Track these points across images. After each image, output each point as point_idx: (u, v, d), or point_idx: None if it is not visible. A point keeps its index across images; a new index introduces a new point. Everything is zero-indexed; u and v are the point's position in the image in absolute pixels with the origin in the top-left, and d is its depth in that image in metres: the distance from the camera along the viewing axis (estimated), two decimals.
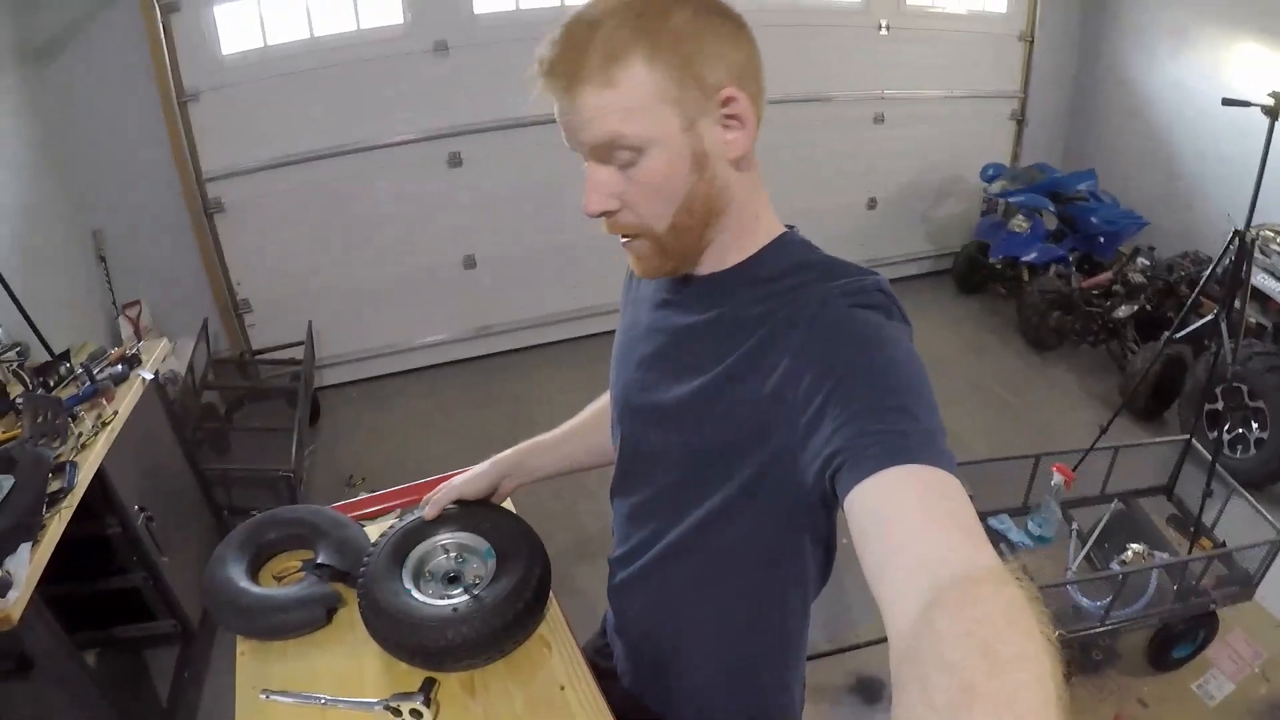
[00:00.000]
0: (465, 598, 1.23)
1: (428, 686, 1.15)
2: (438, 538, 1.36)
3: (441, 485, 1.43)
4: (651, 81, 0.89)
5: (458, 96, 4.29)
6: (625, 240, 1.00)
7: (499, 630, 1.19)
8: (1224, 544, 2.66)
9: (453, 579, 1.31)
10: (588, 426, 1.45)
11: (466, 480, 1.42)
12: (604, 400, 1.39)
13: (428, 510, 1.38)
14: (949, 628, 0.58)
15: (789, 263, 1.00)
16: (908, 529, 0.72)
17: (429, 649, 1.18)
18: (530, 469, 1.47)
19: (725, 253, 1.01)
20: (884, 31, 5.02)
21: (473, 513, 1.39)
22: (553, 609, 1.32)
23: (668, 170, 0.92)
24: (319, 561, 1.38)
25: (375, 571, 1.27)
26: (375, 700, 1.15)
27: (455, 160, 4.43)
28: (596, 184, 0.95)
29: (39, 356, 2.81)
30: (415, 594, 1.25)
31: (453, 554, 1.36)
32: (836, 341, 0.88)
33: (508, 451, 1.46)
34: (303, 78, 4.05)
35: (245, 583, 1.36)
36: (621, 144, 0.90)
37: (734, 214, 0.99)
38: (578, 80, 0.89)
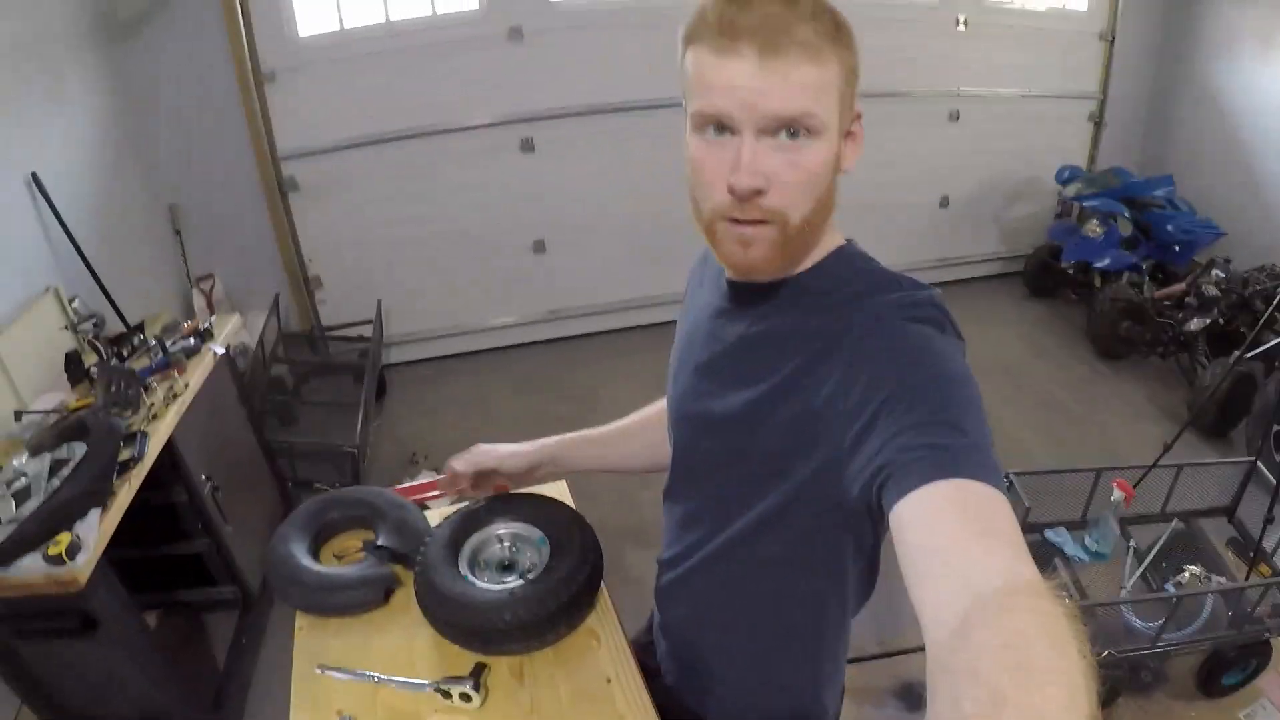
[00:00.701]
0: (520, 582, 1.25)
1: (478, 671, 1.18)
2: (493, 527, 1.39)
3: (480, 446, 1.46)
4: (839, 73, 0.91)
5: (531, 83, 4.31)
6: (749, 226, 0.94)
7: (554, 613, 1.22)
8: None
9: (507, 567, 1.35)
10: (633, 430, 1.46)
11: (510, 453, 1.45)
12: (658, 406, 1.40)
13: (457, 463, 1.42)
14: (984, 639, 0.59)
15: (846, 275, 1.00)
16: (949, 542, 0.73)
17: (484, 631, 1.21)
18: (569, 461, 1.49)
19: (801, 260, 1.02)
20: (961, 27, 4.92)
21: (527, 503, 1.42)
22: (603, 601, 1.34)
23: (824, 163, 0.93)
24: (379, 543, 1.42)
25: (432, 557, 1.30)
26: (426, 681, 1.18)
27: (528, 146, 4.46)
28: (757, 159, 0.90)
29: (114, 327, 2.91)
30: (472, 579, 1.28)
31: (507, 543, 1.39)
32: (889, 355, 0.89)
33: (552, 439, 1.48)
34: (377, 60, 4.11)
35: (307, 560, 1.40)
36: (807, 123, 0.89)
37: (827, 224, 1.01)
38: (789, 43, 0.86)
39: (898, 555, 0.76)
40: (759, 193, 0.91)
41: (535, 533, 1.37)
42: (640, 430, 1.44)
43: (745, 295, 1.06)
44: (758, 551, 1.07)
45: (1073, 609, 0.61)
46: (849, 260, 1.03)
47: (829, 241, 1.03)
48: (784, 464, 0.98)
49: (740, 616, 1.17)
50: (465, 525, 1.38)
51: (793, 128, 0.89)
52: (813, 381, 0.94)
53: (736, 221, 0.94)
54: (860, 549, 1.06)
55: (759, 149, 0.90)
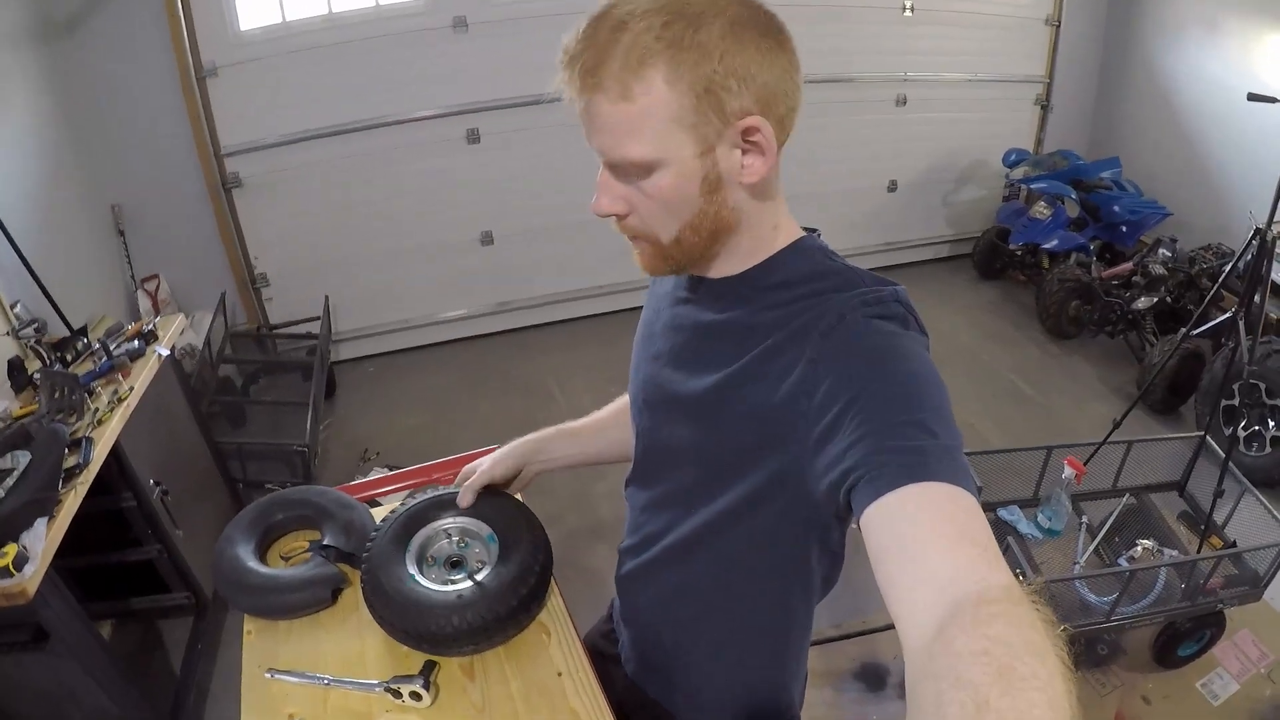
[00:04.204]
0: (469, 584, 1.23)
1: (427, 670, 1.17)
2: (441, 522, 1.37)
3: (467, 467, 1.45)
4: (669, 102, 0.86)
5: (477, 73, 4.27)
6: (631, 240, 1.00)
7: (502, 617, 1.21)
8: (1234, 543, 2.65)
9: (455, 564, 1.33)
10: (608, 422, 1.44)
11: (494, 461, 1.42)
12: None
13: (461, 498, 1.37)
14: (965, 646, 0.59)
15: (806, 269, 0.98)
16: (924, 548, 0.72)
17: (432, 635, 1.19)
18: (552, 456, 1.46)
19: (736, 260, 1.00)
20: (908, 13, 4.96)
21: (478, 498, 1.40)
22: (554, 597, 1.33)
23: (676, 190, 0.91)
24: (325, 543, 1.40)
25: (379, 555, 1.29)
26: (376, 682, 1.17)
27: (473, 136, 4.43)
28: (606, 187, 0.95)
29: (57, 331, 2.85)
30: (419, 579, 1.26)
31: (455, 538, 1.37)
32: (854, 353, 0.88)
33: (531, 436, 1.46)
34: (321, 53, 4.05)
35: (253, 562, 1.38)
36: (629, 163, 0.90)
37: (746, 231, 0.98)
38: (595, 86, 0.87)
39: (871, 560, 0.76)
40: (619, 215, 0.96)
41: (484, 529, 1.36)
42: (614, 422, 1.41)
43: (703, 284, 1.05)
44: (721, 544, 1.07)
45: (1049, 614, 0.62)
46: (807, 254, 1.00)
47: (786, 235, 1.01)
48: (747, 458, 0.98)
49: (704, 609, 1.16)
50: (413, 521, 1.36)
51: (623, 167, 0.91)
52: (773, 373, 0.93)
53: None
54: (825, 545, 1.05)
55: (612, 178, 0.94)
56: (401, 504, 1.40)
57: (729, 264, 1.01)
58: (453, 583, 1.26)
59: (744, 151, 0.90)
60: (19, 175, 3.22)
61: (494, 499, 1.40)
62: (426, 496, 1.40)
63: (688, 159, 0.89)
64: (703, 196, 0.92)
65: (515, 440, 1.46)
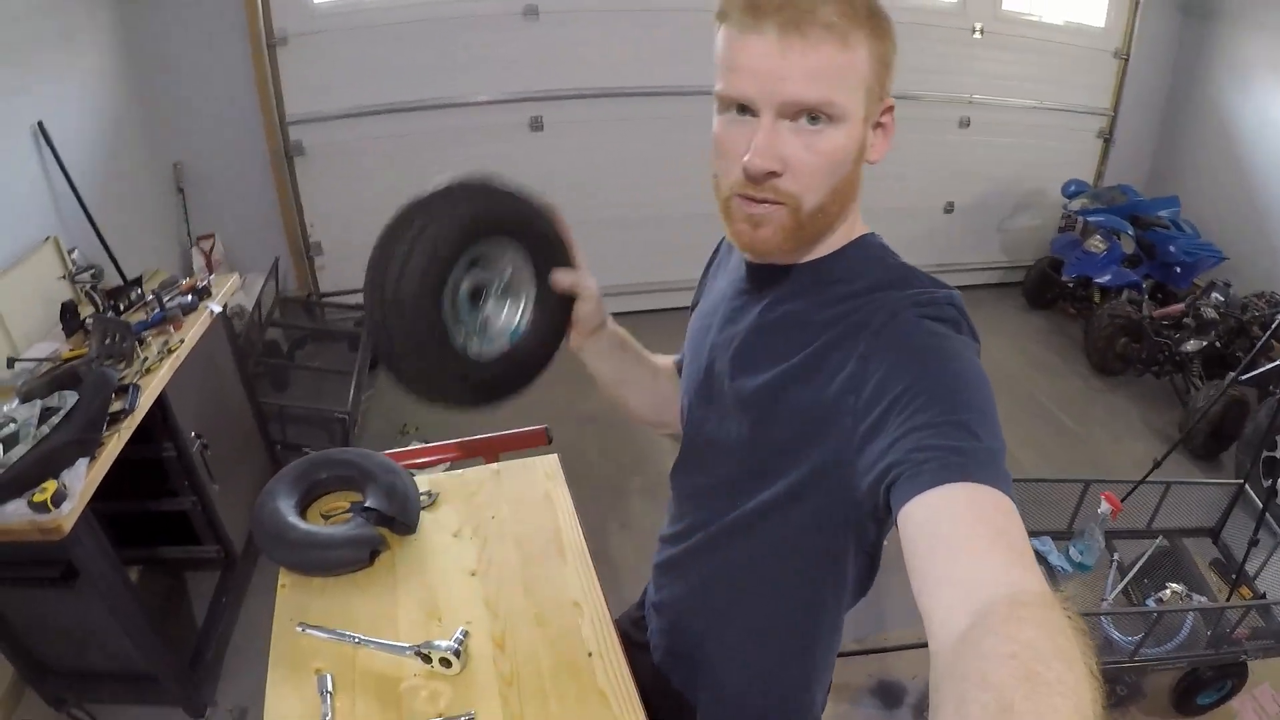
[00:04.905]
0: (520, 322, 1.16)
1: (460, 638, 1.18)
2: (510, 252, 1.18)
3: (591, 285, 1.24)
4: (867, 60, 0.89)
5: (544, 62, 4.30)
6: (760, 205, 0.93)
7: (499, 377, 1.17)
8: (1264, 595, 2.60)
9: (475, 295, 1.16)
10: (656, 369, 1.37)
11: (600, 299, 1.25)
12: (669, 360, 1.37)
13: (561, 277, 1.19)
14: (992, 648, 0.59)
15: (864, 266, 1.00)
16: (958, 547, 0.72)
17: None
18: (610, 344, 1.32)
19: (818, 246, 1.01)
20: (978, 35, 4.93)
21: (559, 259, 1.21)
22: (590, 576, 1.35)
23: (844, 150, 0.92)
24: (366, 505, 1.41)
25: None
26: (408, 645, 1.18)
27: (536, 124, 4.45)
28: (774, 141, 0.89)
29: (112, 280, 2.90)
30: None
31: (507, 278, 1.19)
32: (904, 351, 0.88)
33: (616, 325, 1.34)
34: (392, 30, 4.09)
35: (294, 518, 1.40)
36: (826, 109, 0.88)
37: (848, 212, 1.00)
38: (812, 24, 0.85)
39: (905, 556, 0.75)
40: (773, 175, 0.91)
41: (532, 289, 1.19)
42: (657, 373, 1.36)
43: (763, 278, 1.05)
44: (759, 536, 1.07)
45: (1080, 623, 0.61)
46: (869, 250, 1.02)
47: (850, 230, 1.03)
48: (795, 452, 0.98)
49: (736, 602, 1.17)
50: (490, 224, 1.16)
51: (812, 113, 0.88)
52: (826, 369, 0.93)
53: (749, 200, 0.94)
54: (861, 545, 1.05)
55: (776, 131, 0.89)
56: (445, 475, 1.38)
57: (807, 249, 1.01)
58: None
59: (876, 129, 0.96)
60: (85, 126, 3.29)
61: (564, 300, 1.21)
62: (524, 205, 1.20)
63: (858, 122, 0.92)
64: (854, 164, 0.94)
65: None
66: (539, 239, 1.18)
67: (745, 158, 0.90)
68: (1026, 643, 0.58)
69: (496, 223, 1.15)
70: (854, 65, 0.88)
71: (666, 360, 1.39)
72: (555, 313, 1.19)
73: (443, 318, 1.07)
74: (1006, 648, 0.58)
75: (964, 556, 0.71)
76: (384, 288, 1.04)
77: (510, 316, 1.18)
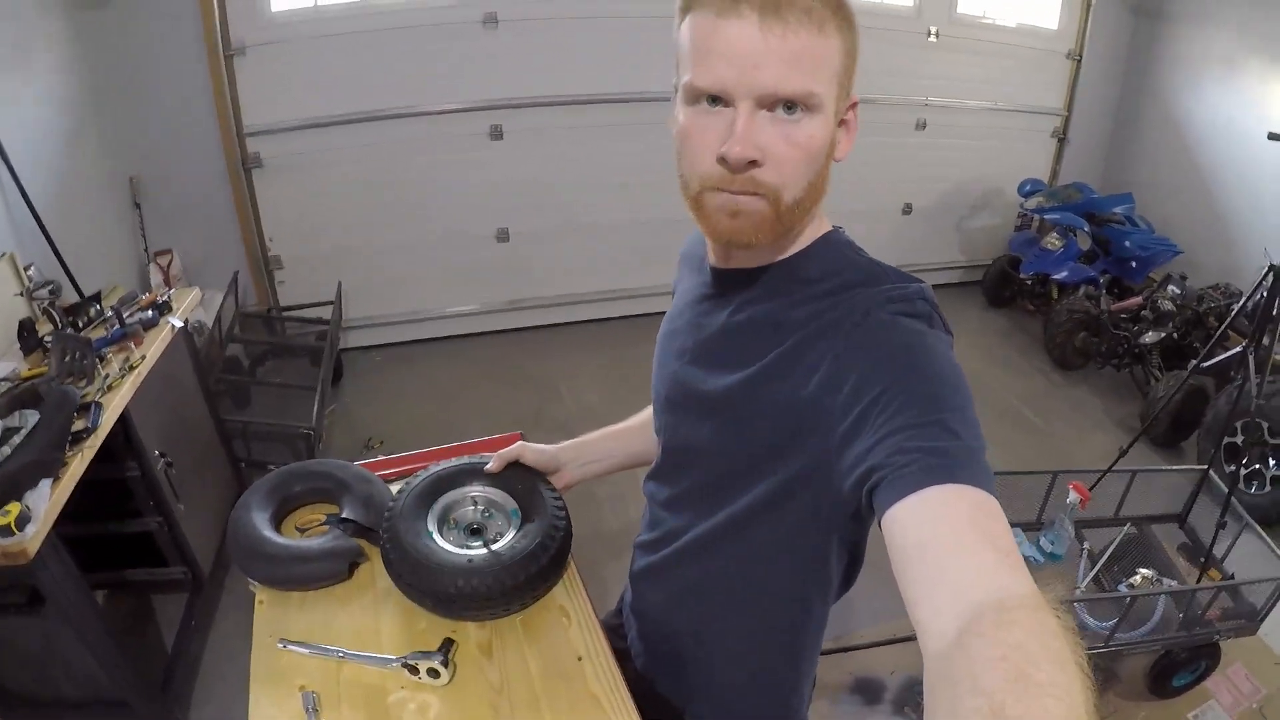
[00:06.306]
0: (483, 551, 1.25)
1: (446, 647, 1.16)
2: (469, 489, 1.38)
3: (515, 446, 1.43)
4: (839, 50, 0.89)
5: (504, 70, 4.29)
6: (738, 197, 0.92)
7: (510, 588, 1.21)
8: (1233, 577, 2.65)
9: (475, 531, 1.34)
10: (636, 428, 1.45)
11: (533, 448, 1.42)
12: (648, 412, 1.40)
13: (492, 464, 1.38)
14: (983, 651, 0.59)
15: (834, 264, 0.99)
16: (945, 551, 0.72)
17: (439, 593, 1.20)
18: (595, 458, 1.47)
19: (782, 244, 1.00)
20: (933, 39, 5.00)
21: (509, 473, 1.40)
22: (574, 581, 1.33)
23: (820, 141, 0.91)
24: (343, 516, 1.39)
25: (403, 509, 1.30)
26: (394, 657, 1.16)
27: (496, 133, 4.43)
28: (753, 130, 0.87)
29: (70, 297, 2.84)
30: (436, 537, 1.28)
31: (480, 507, 1.38)
32: (879, 350, 0.87)
33: (568, 442, 1.47)
34: (350, 40, 4.05)
35: (269, 531, 1.37)
36: (806, 100, 0.87)
37: (818, 209, 1.00)
38: (792, 7, 0.84)
39: (892, 562, 0.75)
40: (753, 165, 0.88)
41: (510, 503, 1.37)
42: (646, 426, 1.39)
43: (729, 281, 1.05)
44: (742, 541, 1.06)
45: (1069, 623, 0.62)
46: (837, 248, 1.01)
47: (817, 227, 1.02)
48: (774, 454, 0.97)
49: (722, 606, 1.16)
50: (441, 482, 1.37)
51: (789, 102, 0.87)
52: (799, 369, 0.92)
53: (725, 191, 0.92)
54: (844, 544, 1.05)
55: (755, 120, 0.87)
56: (435, 464, 1.41)
57: (775, 249, 1.00)
58: (468, 548, 1.27)
59: (841, 125, 0.95)
60: (40, 139, 3.21)
61: (525, 476, 1.40)
62: (459, 461, 1.41)
63: (831, 115, 0.91)
64: (828, 158, 0.94)
65: (563, 443, 1.47)
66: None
67: (724, 147, 0.87)
68: (1016, 645, 0.58)
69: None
70: (829, 54, 0.88)
71: (648, 412, 1.42)
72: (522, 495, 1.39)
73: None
74: (996, 651, 0.58)
75: (951, 561, 0.71)
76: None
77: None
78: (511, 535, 1.31)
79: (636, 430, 1.45)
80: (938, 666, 0.63)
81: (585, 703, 1.12)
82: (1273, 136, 2.89)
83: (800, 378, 0.92)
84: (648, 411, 1.41)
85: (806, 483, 0.95)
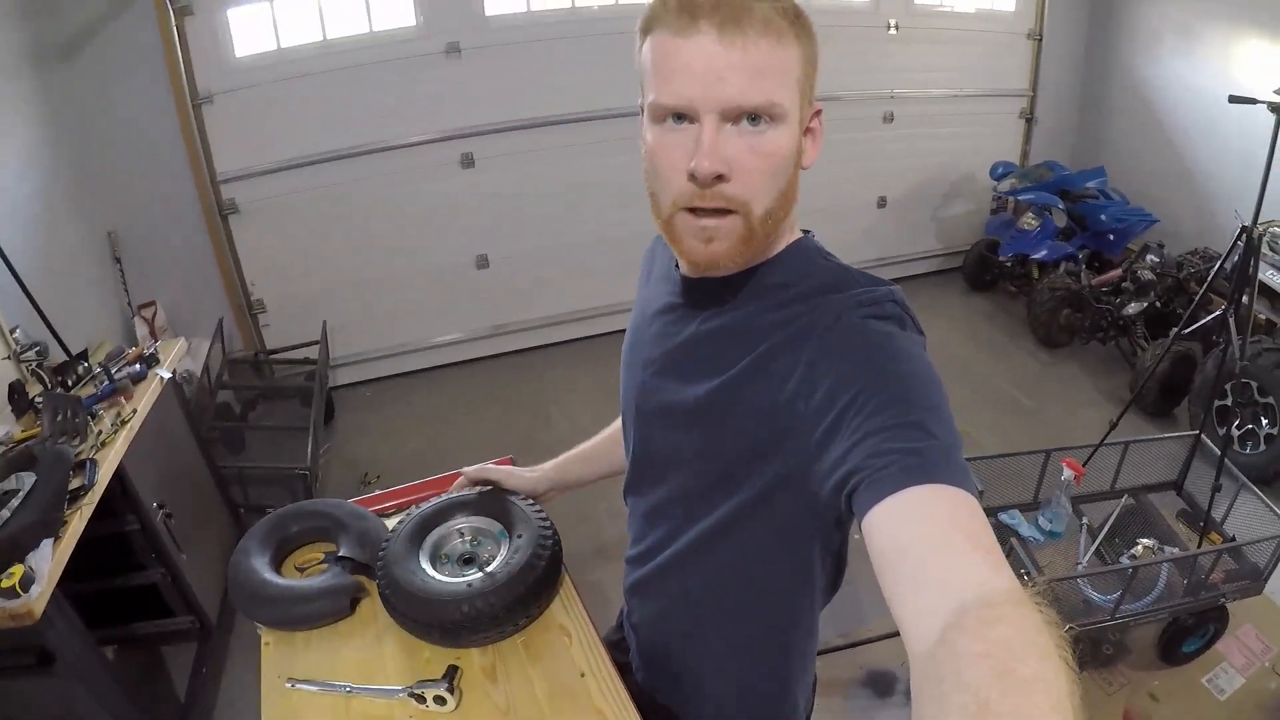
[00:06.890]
0: (478, 574, 1.28)
1: (451, 674, 1.17)
2: (453, 522, 1.42)
3: (490, 464, 1.50)
4: (799, 59, 0.91)
5: (470, 98, 4.30)
6: (711, 218, 0.92)
7: (513, 604, 1.25)
8: (1234, 538, 2.67)
9: (468, 560, 1.37)
10: (617, 438, 1.44)
11: (511, 473, 1.47)
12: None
13: (468, 470, 1.45)
14: (967, 648, 0.60)
15: (803, 270, 0.99)
16: (926, 551, 0.72)
17: (445, 624, 1.23)
18: (566, 482, 1.51)
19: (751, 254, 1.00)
20: (893, 31, 5.03)
21: (488, 499, 1.44)
22: (571, 597, 1.35)
23: (786, 151, 0.91)
24: (341, 554, 1.40)
25: (394, 554, 1.32)
26: (400, 687, 1.17)
27: (468, 161, 4.44)
28: (720, 144, 0.88)
29: (57, 356, 2.84)
30: (432, 573, 1.31)
31: (468, 538, 1.41)
32: (851, 354, 0.88)
33: (548, 464, 1.51)
34: (316, 80, 4.06)
35: (269, 574, 1.38)
36: (769, 110, 0.88)
37: (790, 217, 1.00)
38: (749, 20, 0.85)
39: (873, 564, 0.76)
40: (720, 179, 0.89)
41: (495, 525, 1.40)
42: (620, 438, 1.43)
43: (699, 290, 1.05)
44: (724, 550, 1.06)
45: (1053, 616, 0.62)
46: (807, 253, 1.02)
47: (788, 234, 1.03)
48: (747, 462, 0.97)
49: (710, 616, 1.16)
50: (426, 523, 1.41)
51: (753, 114, 0.88)
52: (774, 375, 0.93)
53: (697, 213, 0.92)
54: (828, 547, 1.06)
55: (720, 134, 0.88)
56: (415, 507, 1.44)
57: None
58: (464, 575, 1.30)
59: (807, 133, 0.96)
60: (16, 202, 3.21)
61: (504, 497, 1.44)
62: (440, 499, 1.45)
63: (795, 124, 0.92)
64: (795, 166, 0.95)
65: (539, 466, 1.51)
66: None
67: (693, 162, 0.88)
68: (1000, 641, 0.59)
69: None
70: (790, 64, 0.89)
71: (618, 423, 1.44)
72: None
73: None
74: (981, 647, 0.59)
75: (933, 560, 0.71)
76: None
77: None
78: (503, 554, 1.33)
79: (608, 447, 1.48)
80: (923, 665, 0.64)
81: (591, 719, 1.14)
82: (1233, 99, 2.91)
83: (774, 384, 0.93)
84: (615, 424, 1.43)
85: (784, 491, 0.96)
